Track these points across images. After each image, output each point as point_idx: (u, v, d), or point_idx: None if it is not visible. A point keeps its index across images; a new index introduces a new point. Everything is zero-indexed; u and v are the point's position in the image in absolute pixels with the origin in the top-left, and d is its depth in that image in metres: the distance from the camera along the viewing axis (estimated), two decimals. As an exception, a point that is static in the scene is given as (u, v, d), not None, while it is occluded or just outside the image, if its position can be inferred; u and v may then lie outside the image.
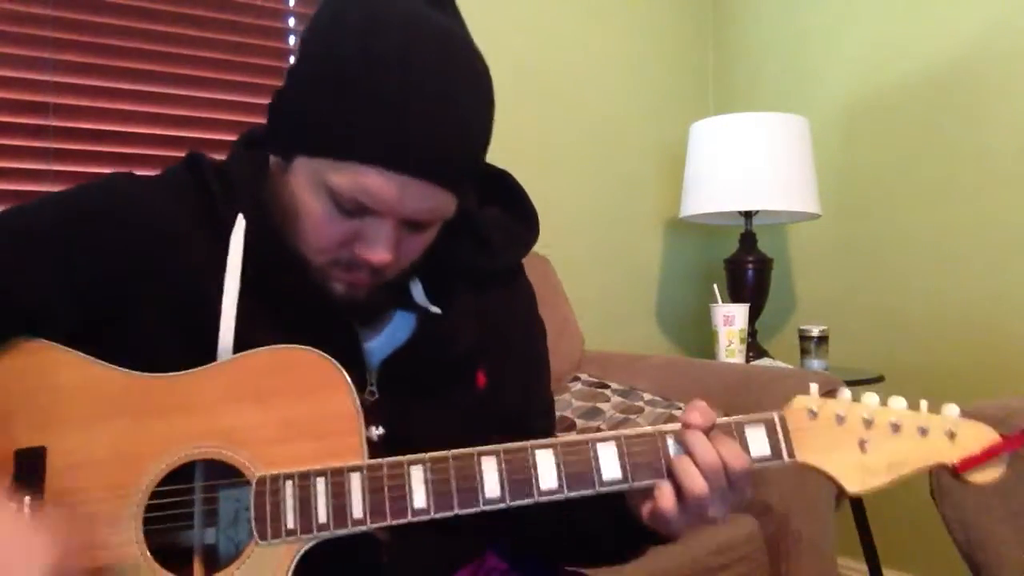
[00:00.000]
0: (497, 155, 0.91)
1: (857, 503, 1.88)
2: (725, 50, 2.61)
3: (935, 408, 0.72)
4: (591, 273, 2.30)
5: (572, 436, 0.71)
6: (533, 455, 0.69)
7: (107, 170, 1.63)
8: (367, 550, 0.74)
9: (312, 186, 0.69)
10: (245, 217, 0.75)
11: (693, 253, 2.56)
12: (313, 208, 0.70)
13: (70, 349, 0.71)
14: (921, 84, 2.08)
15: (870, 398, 0.71)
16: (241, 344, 0.72)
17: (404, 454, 0.73)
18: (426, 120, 0.66)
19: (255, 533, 0.66)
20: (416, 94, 0.65)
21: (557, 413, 1.59)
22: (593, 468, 0.69)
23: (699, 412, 0.69)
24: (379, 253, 0.70)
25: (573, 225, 2.27)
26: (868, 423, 0.70)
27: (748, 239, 2.18)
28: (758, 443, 0.71)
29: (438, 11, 0.71)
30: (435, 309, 0.79)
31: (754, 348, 2.10)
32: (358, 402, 0.69)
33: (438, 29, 0.69)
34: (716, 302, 2.00)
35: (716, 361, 1.95)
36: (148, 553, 0.67)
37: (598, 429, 1.54)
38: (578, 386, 1.73)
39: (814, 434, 0.70)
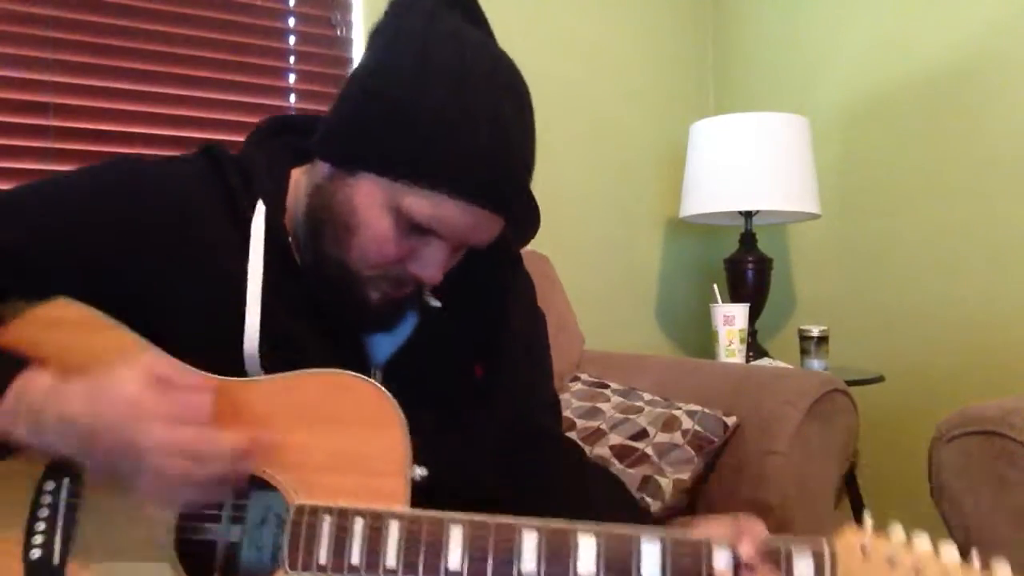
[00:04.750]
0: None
1: (856, 503, 1.88)
2: (725, 50, 2.61)
3: (986, 563, 0.69)
4: (591, 273, 2.30)
5: (619, 525, 0.68)
6: (575, 538, 0.67)
7: (107, 170, 1.64)
8: None
9: (379, 204, 0.71)
10: (265, 204, 0.77)
11: (693, 253, 2.56)
12: (377, 226, 0.72)
13: (131, 333, 0.71)
14: (921, 84, 2.08)
15: (923, 544, 0.68)
16: (265, 328, 0.73)
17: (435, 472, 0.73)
18: (511, 161, 0.73)
19: (286, 561, 0.66)
20: (505, 134, 0.72)
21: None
22: (633, 565, 0.67)
23: (751, 544, 0.67)
24: (432, 273, 0.73)
25: (573, 225, 2.27)
26: (919, 573, 0.67)
27: (748, 239, 2.18)
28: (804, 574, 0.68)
29: (485, 32, 0.75)
30: (435, 303, 0.80)
31: (754, 348, 2.10)
32: (409, 444, 0.68)
33: (509, 63, 0.75)
34: (716, 302, 2.00)
35: (716, 361, 1.95)
36: (177, 560, 0.67)
37: (598, 429, 1.54)
38: (578, 386, 1.73)
39: (862, 575, 0.67)
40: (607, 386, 1.71)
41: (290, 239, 0.77)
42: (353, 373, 0.70)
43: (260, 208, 0.76)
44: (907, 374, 2.03)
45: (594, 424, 1.56)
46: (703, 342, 2.41)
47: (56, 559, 0.67)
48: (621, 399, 1.63)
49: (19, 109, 1.57)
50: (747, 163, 2.02)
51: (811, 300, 2.36)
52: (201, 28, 1.76)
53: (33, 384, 0.66)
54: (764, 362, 1.97)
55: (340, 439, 0.69)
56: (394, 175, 0.71)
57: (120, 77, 1.67)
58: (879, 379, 1.88)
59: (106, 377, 0.65)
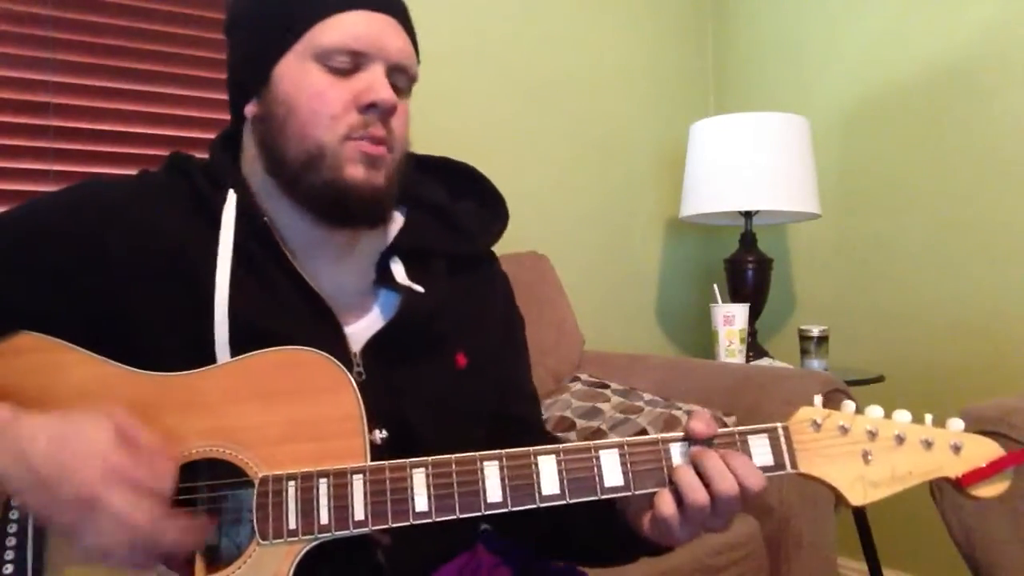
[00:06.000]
0: (498, 154, 0.91)
1: (857, 503, 1.88)
2: (725, 50, 2.61)
3: (940, 422, 0.72)
4: (591, 273, 2.30)
5: (575, 443, 0.71)
6: (536, 460, 0.69)
7: (107, 170, 1.64)
8: (363, 544, 0.74)
9: (301, 69, 0.76)
10: (236, 192, 0.78)
11: (693, 253, 2.56)
12: (311, 84, 0.76)
13: (79, 348, 0.72)
14: (920, 84, 2.08)
15: (874, 410, 0.72)
16: (234, 319, 0.73)
17: (397, 436, 0.75)
18: None
19: (257, 533, 0.67)
20: None
21: (557, 413, 1.59)
22: (595, 475, 0.69)
23: (703, 423, 0.70)
24: (383, 91, 0.76)
25: (573, 225, 2.27)
26: (872, 435, 0.70)
27: (748, 239, 2.18)
28: (761, 453, 0.71)
29: None
30: (418, 288, 0.82)
31: (754, 348, 2.10)
32: (362, 405, 0.70)
33: None
34: (716, 302, 2.00)
35: (716, 361, 1.95)
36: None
37: (598, 429, 1.54)
38: (578, 386, 1.73)
39: (817, 445, 0.71)
40: (607, 386, 1.71)
41: (266, 219, 0.79)
42: (298, 347, 0.71)
43: (231, 197, 0.78)
44: (907, 374, 2.03)
45: (594, 424, 1.56)
46: (703, 342, 2.41)
47: (30, 574, 0.67)
48: (621, 399, 1.63)
49: (19, 109, 1.57)
50: (747, 163, 2.02)
51: (811, 300, 2.36)
52: (201, 28, 1.76)
53: None
54: (764, 362, 1.97)
55: (294, 410, 0.70)
56: (292, 37, 0.77)
57: (120, 77, 1.67)
58: (879, 379, 1.88)
59: (73, 424, 0.64)
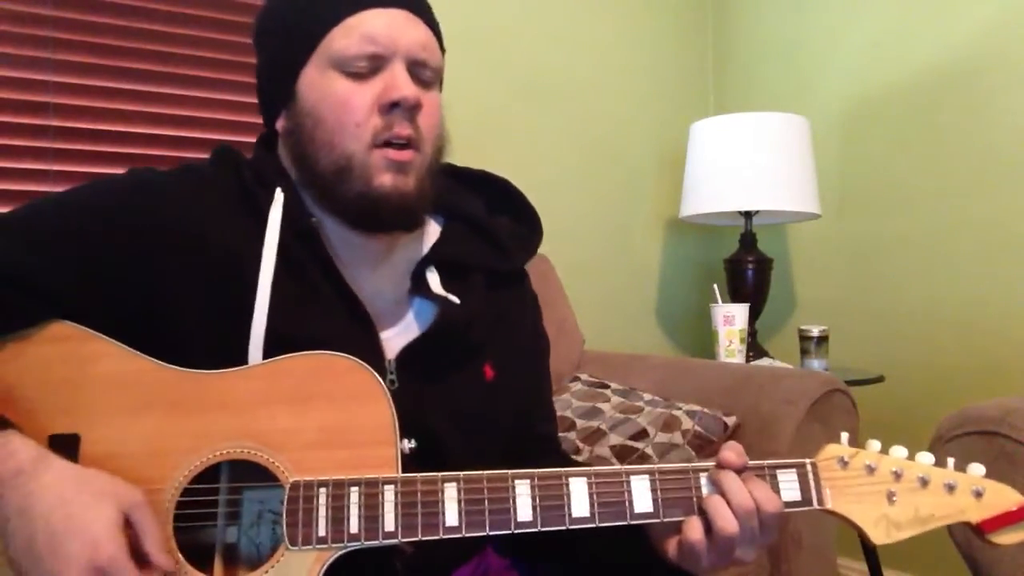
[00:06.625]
0: (498, 154, 0.91)
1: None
2: (725, 50, 2.60)
3: (961, 467, 0.73)
4: (591, 273, 2.30)
5: (606, 467, 0.71)
6: (567, 482, 0.69)
7: (107, 170, 1.64)
8: (384, 551, 0.74)
9: (325, 77, 0.76)
10: (283, 191, 0.78)
11: (693, 253, 2.55)
12: (333, 91, 0.76)
13: (110, 339, 0.71)
14: (921, 84, 2.08)
15: (899, 451, 0.73)
16: (271, 319, 0.73)
17: (424, 446, 0.75)
18: None
19: (286, 538, 0.66)
20: None
21: (557, 413, 1.59)
22: (626, 500, 0.70)
23: (734, 453, 0.71)
24: (404, 89, 0.76)
25: (574, 225, 2.27)
26: (897, 476, 0.71)
27: (748, 239, 2.18)
28: (789, 488, 0.72)
29: None
30: (454, 298, 0.82)
31: (754, 348, 2.10)
32: (395, 413, 0.70)
33: None
34: (716, 302, 2.00)
35: (716, 361, 1.95)
36: (177, 550, 0.67)
37: (598, 429, 1.54)
38: (578, 386, 1.73)
39: (844, 483, 0.72)
40: (607, 386, 1.71)
41: (314, 219, 0.78)
42: (332, 352, 0.71)
43: (278, 197, 0.78)
44: (907, 374, 2.03)
45: (594, 424, 1.56)
46: (703, 342, 2.41)
47: None
48: (621, 399, 1.63)
49: (19, 109, 1.57)
50: (747, 163, 2.02)
51: (811, 300, 2.36)
52: (201, 28, 1.76)
53: (9, 455, 0.64)
54: (764, 362, 1.97)
55: (327, 416, 0.70)
56: (309, 47, 0.77)
57: (120, 77, 1.67)
58: (879, 379, 1.88)
59: (81, 496, 0.62)
